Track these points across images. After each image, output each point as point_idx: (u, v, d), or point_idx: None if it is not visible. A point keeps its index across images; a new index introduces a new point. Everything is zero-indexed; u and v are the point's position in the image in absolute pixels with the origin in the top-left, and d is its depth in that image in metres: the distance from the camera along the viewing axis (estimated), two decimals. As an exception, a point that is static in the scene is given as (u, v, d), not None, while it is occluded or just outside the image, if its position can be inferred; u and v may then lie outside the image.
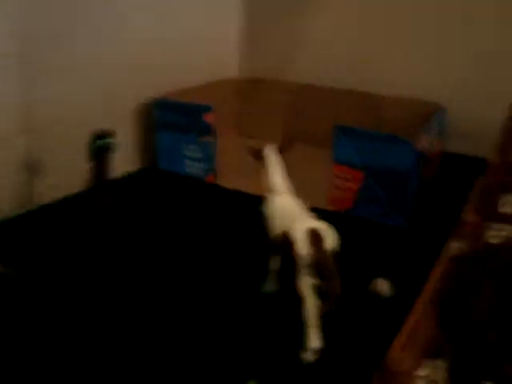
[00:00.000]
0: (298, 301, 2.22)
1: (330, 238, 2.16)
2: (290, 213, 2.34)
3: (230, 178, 3.98)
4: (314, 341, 2.18)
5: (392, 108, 4.44)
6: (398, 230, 3.32)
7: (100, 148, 2.66)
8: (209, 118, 3.81)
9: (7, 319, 2.07)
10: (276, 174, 2.46)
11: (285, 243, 2.23)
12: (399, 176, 3.28)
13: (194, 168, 4.01)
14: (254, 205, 3.54)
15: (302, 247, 2.13)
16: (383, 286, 2.64)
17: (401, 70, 4.61)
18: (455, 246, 1.92)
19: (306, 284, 2.18)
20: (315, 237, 2.13)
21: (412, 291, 2.65)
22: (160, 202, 3.63)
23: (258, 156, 2.53)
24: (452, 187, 4.02)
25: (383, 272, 2.77)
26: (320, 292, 2.30)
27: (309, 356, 2.20)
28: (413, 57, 4.57)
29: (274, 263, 2.55)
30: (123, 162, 3.92)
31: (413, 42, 4.54)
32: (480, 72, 4.35)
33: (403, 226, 3.35)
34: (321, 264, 2.05)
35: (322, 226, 2.19)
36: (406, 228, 3.34)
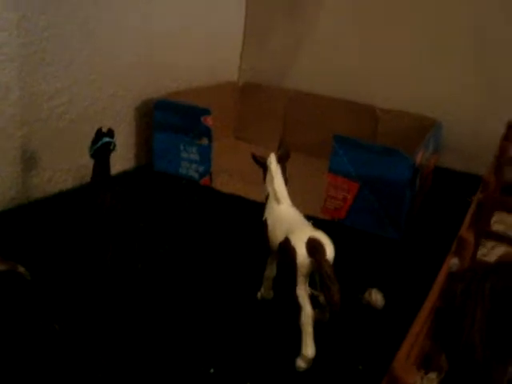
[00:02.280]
0: (293, 309, 2.23)
1: (330, 248, 2.18)
2: (290, 221, 2.36)
3: (225, 182, 4.00)
4: (309, 349, 2.20)
5: (388, 120, 4.49)
6: (391, 242, 3.35)
7: (101, 147, 2.67)
8: (207, 121, 3.82)
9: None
10: (278, 182, 2.48)
11: (284, 251, 2.24)
12: (395, 189, 3.31)
13: (189, 170, 4.01)
14: (248, 210, 3.57)
15: (303, 255, 2.14)
16: (377, 296, 2.67)
17: (398, 82, 4.66)
18: (453, 263, 1.94)
19: (304, 293, 2.20)
20: (315, 246, 2.14)
21: (404, 303, 2.71)
22: (154, 202, 3.62)
23: (261, 163, 2.55)
24: (444, 202, 4.07)
25: (375, 283, 2.80)
26: (317, 303, 2.34)
27: (303, 364, 2.21)
28: (410, 70, 4.62)
29: (270, 270, 2.57)
30: (119, 159, 3.93)
31: (411, 56, 4.59)
32: (477, 89, 4.41)
33: (396, 237, 3.38)
34: (321, 273, 2.07)
35: (321, 236, 2.21)
36: (399, 240, 3.38)
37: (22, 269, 1.49)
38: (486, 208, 2.64)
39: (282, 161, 2.54)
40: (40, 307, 1.54)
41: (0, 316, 1.42)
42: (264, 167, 2.55)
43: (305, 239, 2.18)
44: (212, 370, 2.17)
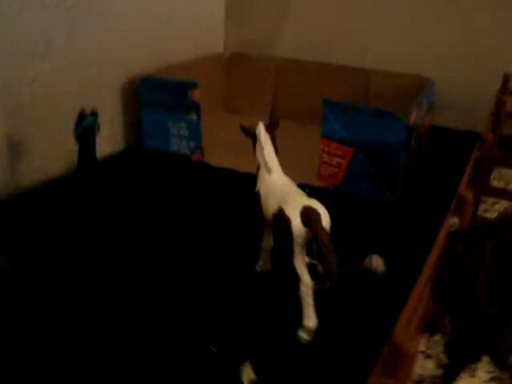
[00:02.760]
0: (292, 280, 2.19)
1: (325, 216, 2.13)
2: (282, 191, 2.30)
3: (217, 156, 3.93)
4: (310, 320, 2.15)
5: (380, 82, 4.41)
6: (388, 206, 3.30)
7: (85, 129, 2.58)
8: (195, 95, 3.73)
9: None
10: (268, 151, 2.41)
11: (279, 222, 2.19)
12: (390, 151, 3.25)
13: (180, 146, 3.94)
14: (242, 182, 3.51)
15: (298, 225, 2.09)
16: (378, 262, 2.62)
17: (388, 42, 4.57)
18: (452, 222, 1.89)
19: (302, 263, 2.15)
20: (310, 215, 2.08)
21: (404, 267, 2.66)
22: (147, 181, 3.57)
23: (250, 133, 2.47)
24: (441, 161, 4.01)
25: (374, 248, 2.75)
26: (317, 272, 2.29)
27: (305, 335, 2.17)
28: (400, 29, 4.52)
29: (267, 242, 2.52)
30: (108, 141, 3.86)
31: (401, 14, 4.49)
32: (469, 44, 4.32)
33: (394, 201, 3.32)
34: (317, 242, 2.01)
35: (316, 204, 2.15)
36: (397, 203, 3.32)
37: (2, 259, 1.43)
38: (484, 165, 2.58)
39: (270, 129, 2.47)
40: (25, 300, 1.49)
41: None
42: (253, 137, 2.48)
43: (299, 208, 2.12)
44: (214, 350, 2.12)
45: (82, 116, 2.61)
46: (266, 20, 4.95)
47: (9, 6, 3.04)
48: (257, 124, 2.47)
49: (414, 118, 3.36)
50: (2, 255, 1.43)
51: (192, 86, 3.73)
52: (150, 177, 3.65)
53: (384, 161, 3.29)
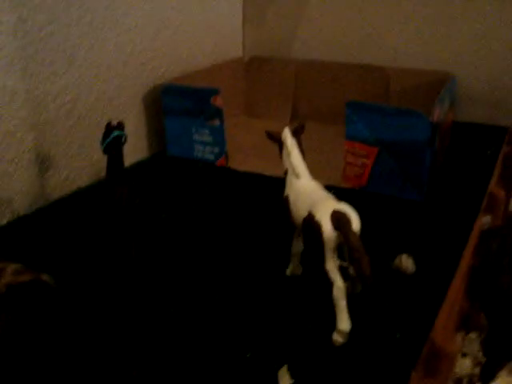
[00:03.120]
0: (324, 284, 2.20)
1: (355, 219, 2.13)
2: (312, 195, 2.31)
3: (241, 160, 3.96)
4: (344, 323, 2.16)
5: (400, 79, 4.40)
6: (415, 204, 3.29)
7: (112, 141, 2.63)
8: (217, 101, 3.76)
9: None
10: (295, 156, 2.43)
11: (309, 226, 2.20)
12: (415, 150, 3.24)
13: (204, 152, 3.97)
14: (267, 186, 3.53)
15: (329, 229, 2.10)
16: (407, 262, 2.62)
17: (407, 40, 4.54)
18: (485, 221, 1.89)
19: (334, 267, 2.16)
20: (340, 219, 2.10)
21: (434, 266, 2.66)
22: (173, 188, 3.60)
23: (276, 139, 2.49)
24: (465, 157, 3.99)
25: (403, 248, 2.75)
26: (347, 274, 2.30)
27: (340, 338, 2.18)
28: (420, 25, 4.49)
29: (297, 246, 2.53)
30: (132, 150, 3.90)
31: (417, 10, 4.47)
32: (490, 37, 4.28)
33: (420, 199, 3.32)
34: (349, 246, 2.03)
35: (346, 208, 2.16)
36: (424, 202, 3.31)
37: (45, 277, 1.47)
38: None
39: (296, 134, 2.48)
40: (68, 315, 1.53)
41: (28, 329, 1.41)
42: (279, 143, 2.49)
43: (329, 212, 2.13)
44: (249, 355, 2.14)
45: (109, 129, 2.65)
46: (284, 22, 4.96)
47: (33, 23, 3.10)
48: (282, 129, 2.48)
49: (437, 114, 3.35)
50: (45, 274, 1.47)
51: (214, 92, 3.76)
52: (175, 184, 3.69)
53: (409, 159, 3.29)
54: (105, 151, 2.66)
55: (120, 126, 2.67)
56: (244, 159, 3.97)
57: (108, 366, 1.69)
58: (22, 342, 1.41)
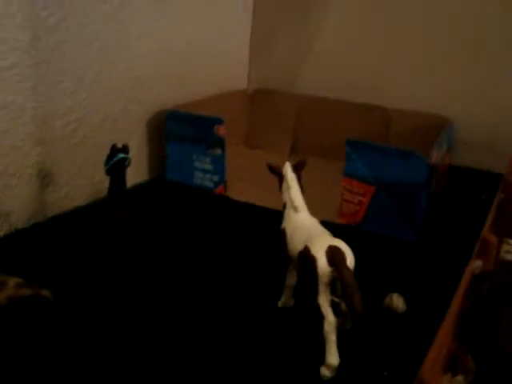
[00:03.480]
0: (315, 317, 2.23)
1: (350, 256, 2.18)
2: (308, 230, 2.35)
3: (239, 190, 4.00)
4: (333, 357, 2.18)
5: (400, 121, 4.49)
6: (408, 244, 3.33)
7: (116, 163, 2.67)
8: (220, 131, 3.83)
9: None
10: (294, 191, 2.48)
11: (305, 260, 2.24)
12: (411, 191, 3.30)
13: (203, 179, 4.02)
14: (264, 217, 3.57)
15: (324, 264, 2.14)
16: (398, 301, 2.65)
17: (408, 82, 4.65)
18: (476, 265, 1.94)
19: (326, 301, 2.19)
20: (336, 254, 2.14)
21: (424, 306, 2.69)
22: (172, 213, 3.64)
23: (277, 172, 2.55)
24: (459, 200, 4.05)
25: (395, 287, 2.78)
26: (339, 310, 2.33)
27: (328, 372, 2.20)
28: (420, 69, 4.60)
29: (291, 279, 2.56)
30: (133, 172, 3.92)
31: (421, 55, 4.58)
32: (489, 86, 4.39)
33: (414, 240, 3.36)
34: (343, 282, 2.06)
35: (341, 244, 2.20)
36: (417, 242, 3.36)
37: (46, 292, 1.50)
38: (508, 208, 2.61)
39: (297, 169, 2.54)
40: (68, 330, 1.55)
41: (26, 342, 1.43)
42: (280, 176, 2.55)
43: (325, 248, 2.17)
44: (237, 383, 2.16)
45: (113, 151, 2.69)
46: (290, 58, 5.07)
47: (47, 43, 3.17)
48: (283, 163, 2.54)
49: (434, 157, 3.43)
50: (46, 290, 1.50)
51: (218, 121, 3.82)
52: (173, 209, 3.72)
53: (405, 199, 3.34)
54: (108, 172, 2.70)
55: (125, 149, 2.72)
56: (242, 189, 4.01)
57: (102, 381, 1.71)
58: (20, 354, 1.43)
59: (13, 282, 1.50)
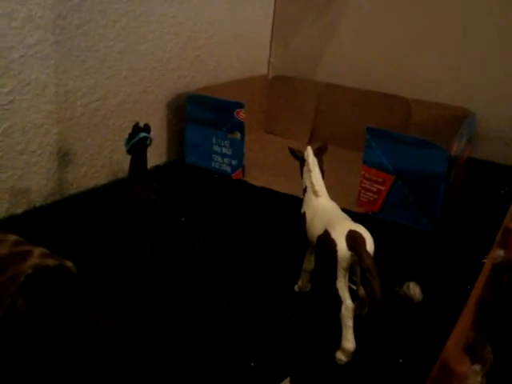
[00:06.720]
0: (333, 302, 2.23)
1: (370, 241, 2.17)
2: (328, 214, 2.35)
3: (256, 175, 4.00)
4: (349, 342, 2.19)
5: (420, 111, 4.46)
6: (425, 235, 3.32)
7: (138, 142, 2.67)
8: (240, 115, 3.82)
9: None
10: (315, 175, 2.47)
11: (324, 244, 2.24)
12: (431, 181, 3.28)
13: (222, 164, 4.02)
14: (281, 203, 3.58)
15: (343, 248, 2.14)
16: (415, 289, 2.64)
17: (430, 73, 4.61)
18: (498, 254, 1.92)
19: (344, 286, 2.19)
20: (356, 239, 2.13)
21: (441, 296, 2.69)
22: (188, 196, 3.65)
23: (298, 156, 2.54)
24: (478, 193, 4.03)
25: (412, 276, 2.78)
26: (355, 296, 2.33)
27: (343, 357, 2.20)
28: (442, 60, 4.56)
29: (309, 263, 2.57)
30: (151, 154, 3.92)
31: (443, 45, 4.54)
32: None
33: (431, 230, 3.35)
34: (362, 267, 2.06)
35: (361, 229, 2.20)
36: (435, 233, 3.35)
37: (69, 263, 1.51)
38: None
39: (319, 154, 2.53)
40: (90, 302, 1.56)
41: (56, 312, 1.44)
42: (301, 160, 2.54)
43: (345, 232, 2.17)
44: (252, 364, 2.17)
45: (135, 130, 2.69)
46: (311, 45, 5.05)
47: (71, 21, 3.18)
48: (305, 147, 2.53)
49: (455, 149, 3.40)
50: (69, 261, 1.51)
51: (239, 105, 3.82)
52: (190, 191, 3.73)
53: (424, 190, 3.32)
54: (129, 151, 2.70)
55: (147, 128, 2.71)
56: (259, 174, 4.02)
57: (121, 356, 1.71)
58: (42, 325, 1.44)
59: (38, 251, 1.51)
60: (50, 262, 1.49)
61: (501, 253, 1.93)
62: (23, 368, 1.44)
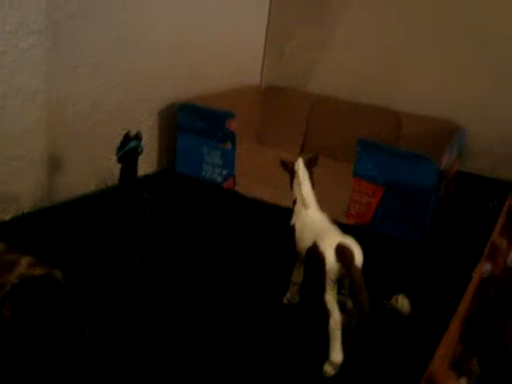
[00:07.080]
0: (321, 314, 2.22)
1: (359, 254, 2.17)
2: (318, 226, 2.35)
3: (246, 185, 4.00)
4: (337, 354, 2.18)
5: (411, 125, 4.48)
6: (415, 247, 3.33)
7: (129, 151, 2.66)
8: (232, 125, 3.83)
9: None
10: (306, 187, 2.47)
11: (313, 256, 2.24)
12: (421, 194, 3.30)
13: (212, 173, 4.02)
14: (271, 214, 3.57)
15: (332, 261, 2.14)
16: (403, 302, 2.65)
17: (421, 87, 4.63)
18: (486, 269, 1.93)
19: (333, 298, 2.19)
20: (344, 252, 2.14)
21: (429, 309, 2.69)
22: (178, 206, 3.63)
23: (289, 168, 2.54)
24: (467, 207, 4.05)
25: (400, 288, 2.78)
26: (343, 308, 2.32)
27: (330, 369, 2.20)
28: (433, 74, 4.59)
29: (298, 275, 2.56)
30: (142, 162, 3.92)
31: (434, 59, 4.57)
32: (501, 93, 4.37)
33: (421, 243, 3.36)
34: (350, 279, 2.06)
35: (350, 242, 2.20)
36: (424, 246, 3.35)
37: (57, 273, 1.50)
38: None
39: (309, 166, 2.53)
40: (77, 312, 1.55)
41: (41, 322, 1.43)
42: (291, 172, 2.54)
43: (334, 245, 2.17)
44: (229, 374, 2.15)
45: (126, 138, 2.68)
46: (304, 56, 5.07)
47: (65, 28, 3.18)
48: (296, 159, 2.53)
49: (444, 162, 3.42)
50: (56, 270, 1.50)
51: (230, 115, 3.83)
52: (180, 200, 3.72)
53: (414, 203, 3.34)
54: (120, 160, 2.69)
55: (138, 136, 2.70)
56: (249, 185, 4.01)
57: (107, 366, 1.71)
58: (27, 335, 1.43)
59: (25, 261, 1.50)
60: (37, 271, 1.48)
61: (488, 267, 1.94)
62: (8, 377, 1.43)
